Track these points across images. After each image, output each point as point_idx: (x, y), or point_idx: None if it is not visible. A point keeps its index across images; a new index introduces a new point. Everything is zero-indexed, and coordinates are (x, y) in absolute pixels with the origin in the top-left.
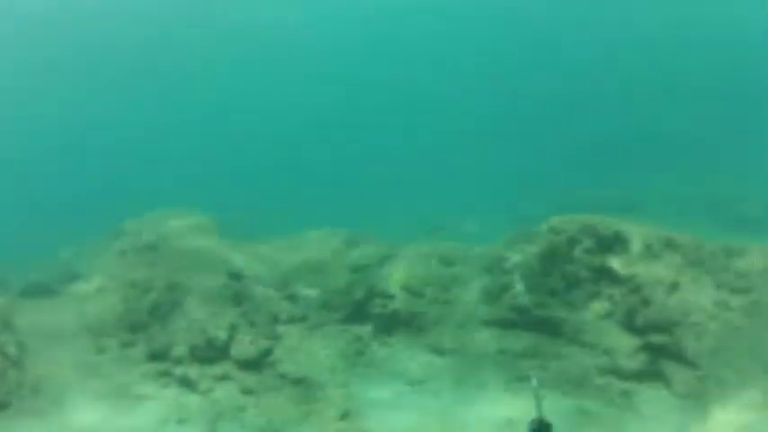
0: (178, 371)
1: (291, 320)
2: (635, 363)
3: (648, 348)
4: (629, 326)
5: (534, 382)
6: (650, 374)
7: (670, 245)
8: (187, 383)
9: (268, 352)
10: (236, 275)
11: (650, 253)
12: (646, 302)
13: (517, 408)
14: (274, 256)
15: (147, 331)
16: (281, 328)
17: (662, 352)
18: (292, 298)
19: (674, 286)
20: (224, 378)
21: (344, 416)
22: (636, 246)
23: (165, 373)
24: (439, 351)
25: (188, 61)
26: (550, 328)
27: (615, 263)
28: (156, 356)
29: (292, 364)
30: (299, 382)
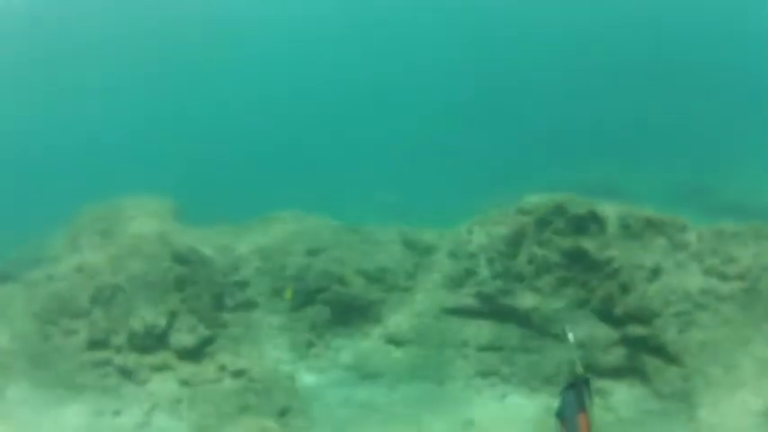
0: (118, 360)
1: (238, 308)
2: (612, 357)
3: (627, 341)
4: (606, 316)
5: (570, 336)
6: (629, 371)
7: (651, 225)
8: (126, 373)
9: (209, 341)
10: (182, 259)
11: (629, 234)
12: (624, 289)
13: (478, 407)
14: (228, 240)
15: (89, 318)
16: (226, 316)
17: (642, 346)
18: (241, 284)
19: (655, 271)
20: (162, 368)
21: (283, 413)
22: (613, 226)
23: (106, 362)
24: (397, 342)
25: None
26: (518, 318)
27: (589, 245)
28: (96, 344)
29: (234, 354)
30: (239, 374)
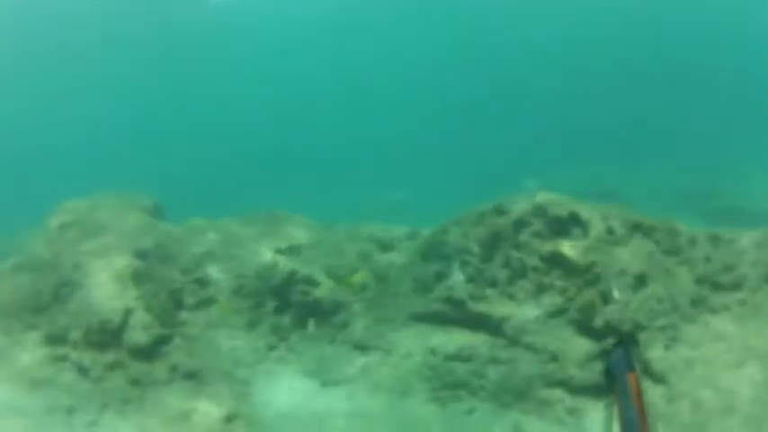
0: (74, 356)
1: (198, 306)
2: (588, 374)
3: (606, 356)
4: (584, 327)
5: (616, 294)
6: (607, 389)
7: (638, 229)
8: (82, 370)
9: (165, 340)
10: (143, 254)
11: (613, 238)
12: (605, 298)
13: (441, 423)
14: (199, 236)
15: (48, 313)
16: (184, 315)
17: None
18: (201, 281)
19: (641, 279)
20: (115, 366)
21: (229, 420)
22: (596, 229)
23: (63, 358)
24: (362, 348)
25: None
26: (490, 326)
27: (569, 249)
28: (54, 340)
29: (188, 355)
30: (190, 376)
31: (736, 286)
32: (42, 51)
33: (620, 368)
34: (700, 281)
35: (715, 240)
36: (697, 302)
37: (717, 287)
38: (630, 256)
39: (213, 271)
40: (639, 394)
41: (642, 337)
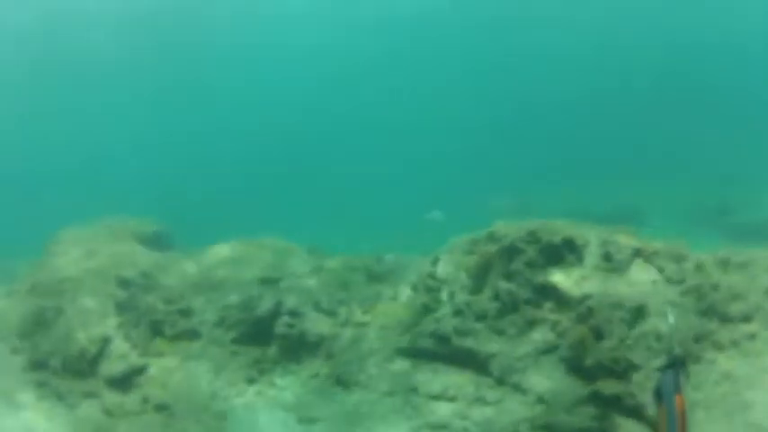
0: (54, 382)
1: (178, 337)
2: (578, 418)
3: (597, 399)
4: (575, 366)
5: (671, 318)
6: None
7: (639, 254)
8: (60, 396)
9: (141, 370)
10: (127, 283)
11: (611, 266)
12: (598, 334)
13: None
14: (186, 264)
15: (33, 338)
16: (162, 345)
17: (615, 405)
18: (184, 312)
19: (639, 312)
20: (90, 395)
21: None
22: (592, 256)
23: (44, 384)
24: (345, 384)
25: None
26: (476, 364)
27: (563, 279)
28: (37, 365)
29: (162, 387)
30: (162, 408)
31: (747, 318)
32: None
33: (668, 390)
34: (705, 313)
35: (724, 265)
36: (701, 337)
37: (724, 319)
38: (628, 285)
39: (198, 301)
40: (684, 417)
41: (637, 378)
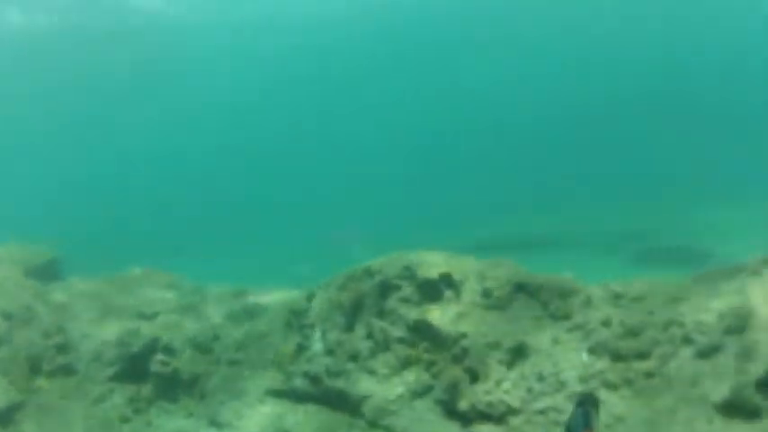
0: None
1: (54, 373)
2: None
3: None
4: (450, 409)
5: (585, 356)
6: None
7: (522, 289)
8: None
9: (18, 407)
10: (6, 316)
11: (490, 302)
12: (473, 376)
13: None
14: (73, 297)
15: None
16: (39, 381)
17: None
18: (62, 347)
19: (518, 351)
20: None
21: None
22: (470, 292)
23: None
24: (218, 425)
25: None
26: (349, 405)
27: (438, 316)
28: None
29: (37, 425)
30: None
31: (642, 355)
32: None
33: (578, 426)
34: (594, 350)
35: (617, 299)
36: (590, 377)
37: (617, 357)
38: (507, 323)
39: (76, 335)
40: None
41: (516, 422)
